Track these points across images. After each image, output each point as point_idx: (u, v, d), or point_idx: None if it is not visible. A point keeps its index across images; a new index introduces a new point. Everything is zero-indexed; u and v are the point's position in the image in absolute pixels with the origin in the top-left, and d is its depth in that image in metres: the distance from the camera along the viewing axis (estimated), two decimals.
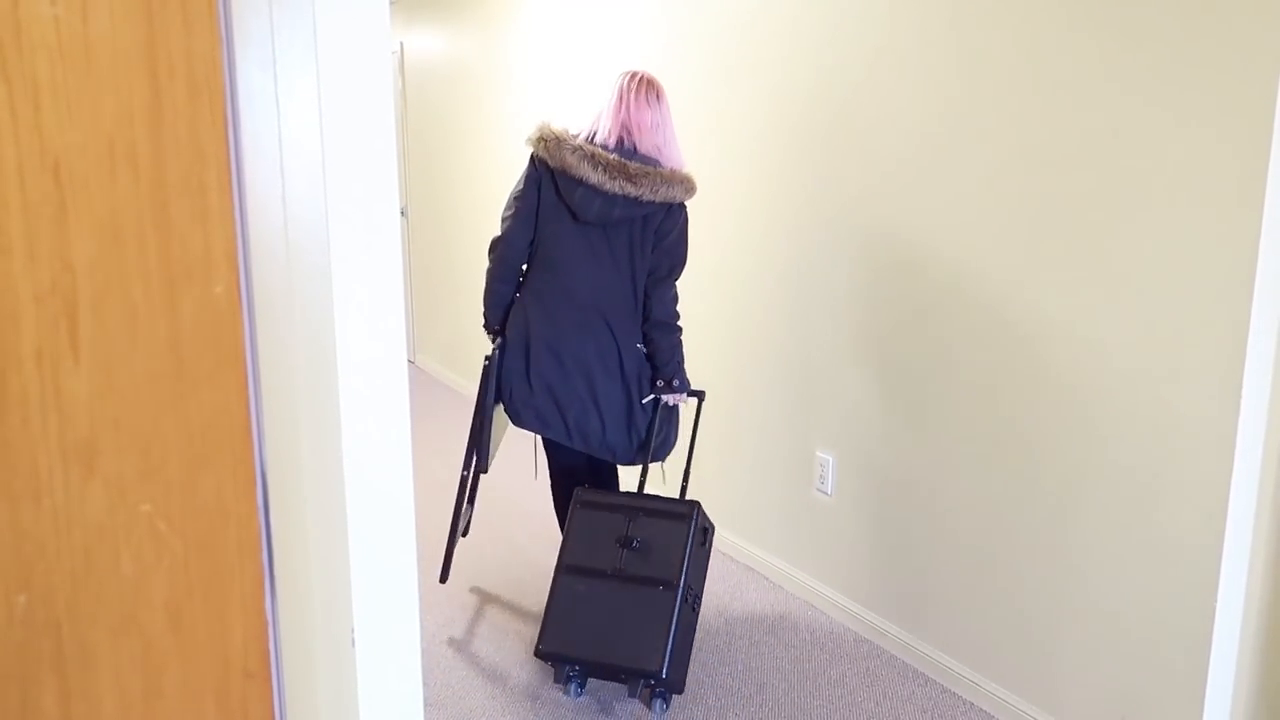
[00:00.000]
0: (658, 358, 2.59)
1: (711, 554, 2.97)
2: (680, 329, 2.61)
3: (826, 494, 2.88)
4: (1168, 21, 1.86)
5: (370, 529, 0.79)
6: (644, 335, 2.59)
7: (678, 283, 2.63)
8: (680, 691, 2.39)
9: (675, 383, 2.61)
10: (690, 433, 2.91)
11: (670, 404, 2.64)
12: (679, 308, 2.63)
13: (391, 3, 5.85)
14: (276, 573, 0.82)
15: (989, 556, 2.37)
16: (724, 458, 3.32)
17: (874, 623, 2.73)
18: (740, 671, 2.58)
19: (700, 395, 2.71)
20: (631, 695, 2.31)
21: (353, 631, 0.79)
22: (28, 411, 0.70)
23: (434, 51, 5.41)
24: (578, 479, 2.75)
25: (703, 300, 3.32)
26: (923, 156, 2.43)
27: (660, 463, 2.72)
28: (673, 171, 2.47)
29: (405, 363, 0.80)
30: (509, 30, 4.54)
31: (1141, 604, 2.03)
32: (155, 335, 0.73)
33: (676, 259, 2.56)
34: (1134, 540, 2.03)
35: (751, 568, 3.21)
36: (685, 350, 2.69)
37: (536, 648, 2.40)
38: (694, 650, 2.66)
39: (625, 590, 2.36)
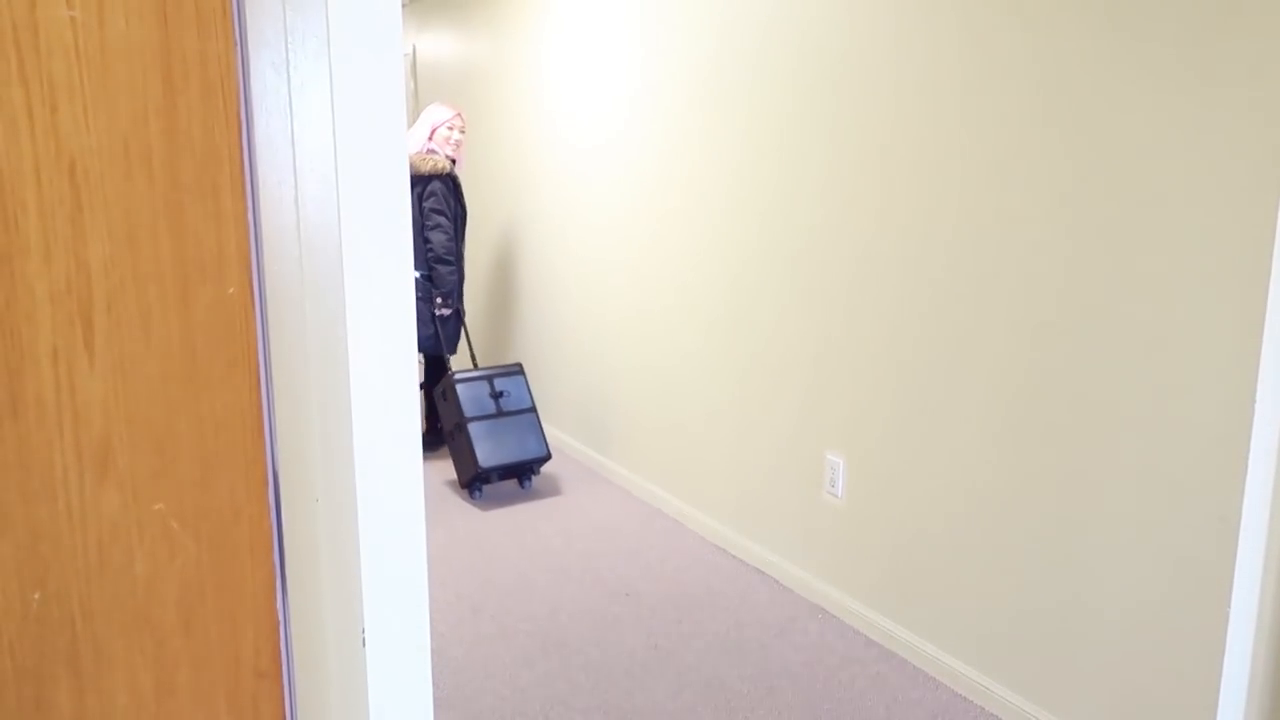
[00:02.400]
0: (436, 283, 4.00)
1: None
2: (447, 263, 3.99)
3: (836, 496, 2.88)
4: (1176, 23, 1.85)
5: (381, 529, 0.79)
6: (428, 266, 4.01)
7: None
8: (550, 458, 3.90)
9: (449, 299, 4.02)
10: (465, 334, 4.35)
11: (444, 314, 4.02)
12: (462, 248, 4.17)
13: (404, 6, 5.87)
14: (288, 572, 0.82)
15: (1000, 560, 2.36)
16: (734, 460, 3.32)
17: (884, 626, 2.73)
18: (750, 675, 2.58)
19: (462, 310, 4.16)
20: (525, 485, 3.88)
21: (363, 631, 0.79)
22: (43, 411, 0.70)
23: (446, 55, 5.43)
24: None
25: (709, 302, 3.32)
26: (935, 159, 2.43)
27: (452, 354, 4.14)
28: (415, 154, 3.96)
29: (416, 363, 0.81)
30: (521, 34, 4.55)
31: (1154, 608, 2.01)
32: (169, 335, 0.74)
33: (433, 214, 3.94)
34: (1147, 542, 2.02)
35: (761, 570, 3.21)
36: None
37: (475, 470, 3.69)
38: (700, 654, 2.69)
39: (509, 420, 3.85)
